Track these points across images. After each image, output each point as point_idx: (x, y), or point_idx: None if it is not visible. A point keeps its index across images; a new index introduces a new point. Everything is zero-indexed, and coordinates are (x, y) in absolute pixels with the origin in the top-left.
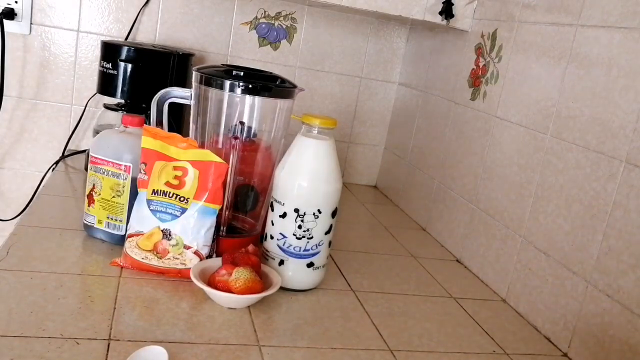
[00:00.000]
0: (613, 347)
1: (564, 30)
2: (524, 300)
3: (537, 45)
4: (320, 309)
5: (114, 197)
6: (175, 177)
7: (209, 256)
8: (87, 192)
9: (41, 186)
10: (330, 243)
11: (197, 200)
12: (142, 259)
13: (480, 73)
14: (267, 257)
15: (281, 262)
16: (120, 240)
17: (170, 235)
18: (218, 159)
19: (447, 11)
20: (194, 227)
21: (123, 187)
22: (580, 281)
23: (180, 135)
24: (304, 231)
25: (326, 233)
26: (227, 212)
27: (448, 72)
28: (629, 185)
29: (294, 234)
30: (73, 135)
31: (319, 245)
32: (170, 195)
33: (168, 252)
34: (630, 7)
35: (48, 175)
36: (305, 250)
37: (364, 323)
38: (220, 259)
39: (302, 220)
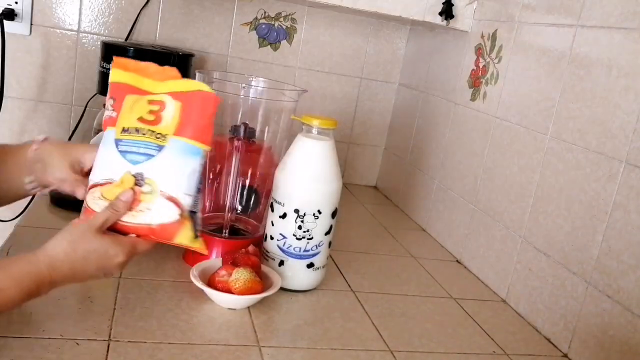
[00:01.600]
0: (613, 348)
1: (563, 30)
2: (524, 300)
3: (537, 46)
4: (320, 309)
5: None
6: (151, 112)
7: (193, 212)
8: None
9: None
10: (330, 243)
11: (179, 137)
12: None
13: (480, 73)
14: (267, 258)
15: (281, 263)
16: None
17: (142, 179)
18: (206, 88)
19: (447, 12)
20: (172, 169)
21: None
22: (580, 281)
23: (156, 65)
24: (304, 232)
25: (326, 233)
26: (229, 214)
27: (448, 73)
28: (629, 185)
29: (294, 235)
30: (73, 136)
31: (318, 245)
32: (144, 132)
33: (139, 202)
34: (630, 7)
35: None
36: (305, 250)
37: (364, 324)
38: (220, 259)
39: (302, 221)
